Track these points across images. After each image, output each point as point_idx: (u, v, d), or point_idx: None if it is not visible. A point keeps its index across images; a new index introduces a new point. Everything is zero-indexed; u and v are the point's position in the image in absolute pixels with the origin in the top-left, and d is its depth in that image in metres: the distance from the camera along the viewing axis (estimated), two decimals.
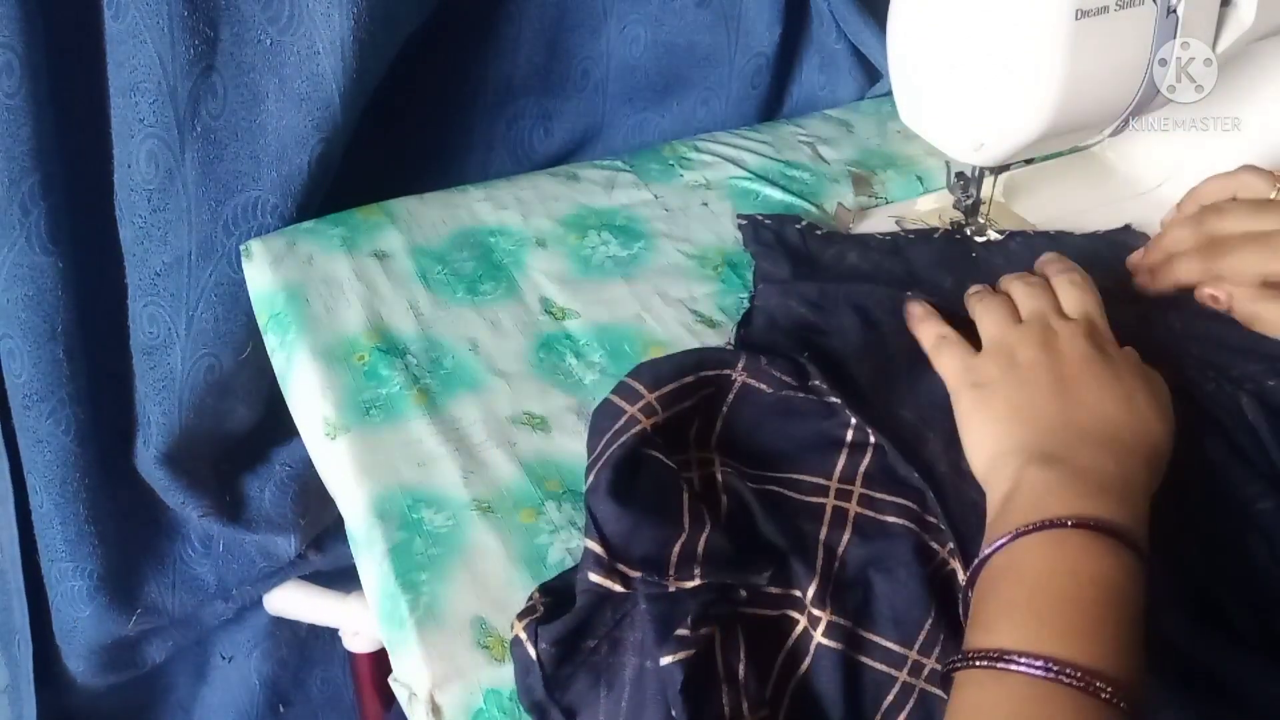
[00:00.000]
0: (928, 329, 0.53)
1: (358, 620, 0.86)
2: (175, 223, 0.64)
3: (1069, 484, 0.42)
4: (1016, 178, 0.69)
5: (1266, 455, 0.49)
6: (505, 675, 0.43)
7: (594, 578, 0.42)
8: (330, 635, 0.91)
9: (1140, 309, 0.57)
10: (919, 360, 0.53)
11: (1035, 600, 0.38)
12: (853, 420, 0.50)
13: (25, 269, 0.63)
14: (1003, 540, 0.41)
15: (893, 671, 0.43)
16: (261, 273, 0.62)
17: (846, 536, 0.47)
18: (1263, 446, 0.49)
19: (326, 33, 0.59)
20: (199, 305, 0.67)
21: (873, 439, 0.49)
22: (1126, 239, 0.64)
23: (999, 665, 0.37)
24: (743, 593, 0.44)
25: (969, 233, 0.64)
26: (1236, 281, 0.54)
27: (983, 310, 0.52)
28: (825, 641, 0.43)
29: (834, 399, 0.50)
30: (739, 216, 0.66)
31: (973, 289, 0.55)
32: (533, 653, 0.42)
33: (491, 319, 0.59)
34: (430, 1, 0.67)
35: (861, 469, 0.49)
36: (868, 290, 0.57)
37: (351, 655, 0.89)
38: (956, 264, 0.61)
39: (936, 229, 0.65)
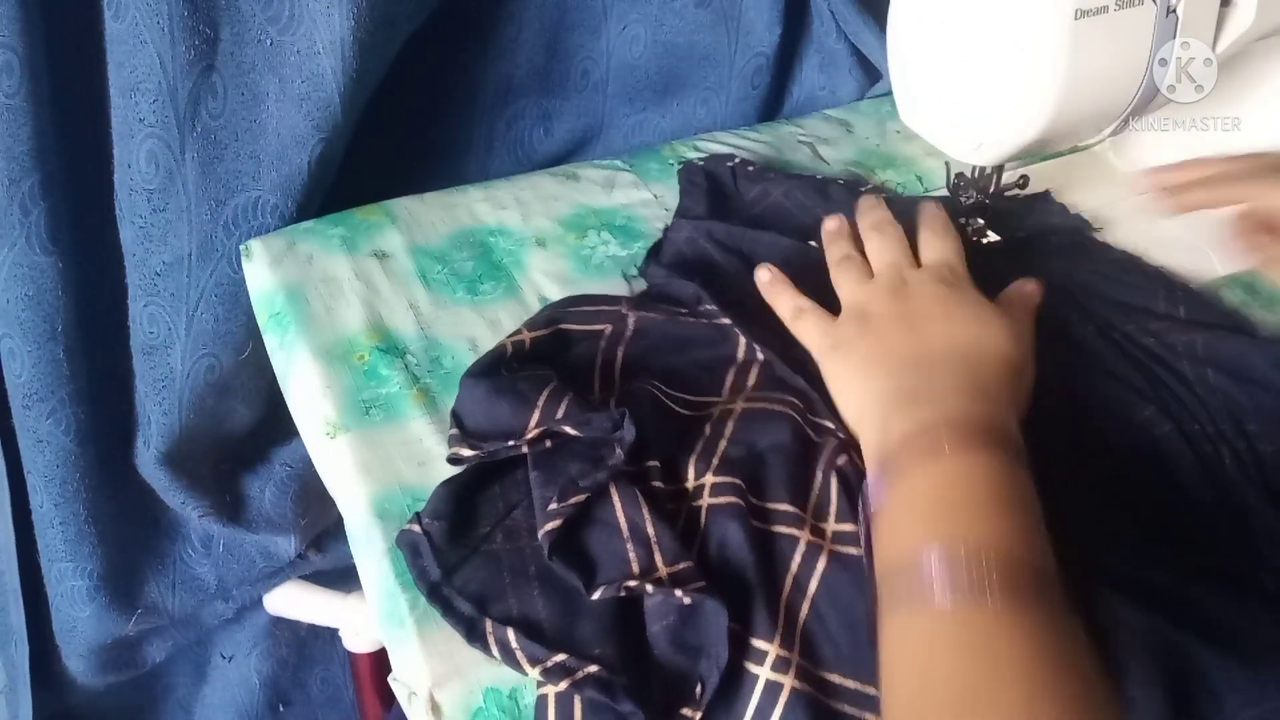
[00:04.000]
0: (784, 301, 0.55)
1: (358, 620, 0.86)
2: (175, 223, 0.64)
3: (930, 401, 0.45)
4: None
5: (1165, 387, 0.50)
6: (505, 674, 0.43)
7: (451, 448, 0.47)
8: (330, 635, 0.92)
9: (1050, 263, 0.59)
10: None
11: (945, 500, 0.40)
12: (742, 340, 0.53)
13: (25, 269, 0.63)
14: (885, 470, 0.43)
15: (793, 532, 0.44)
16: (261, 272, 0.62)
17: (732, 425, 0.49)
18: (1160, 380, 0.50)
19: (326, 33, 0.59)
20: (199, 305, 0.67)
21: (760, 355, 0.52)
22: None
23: (932, 562, 0.38)
24: (618, 451, 0.45)
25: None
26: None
27: (839, 276, 0.55)
28: (714, 501, 0.45)
29: (724, 320, 0.53)
30: (680, 163, 0.69)
31: (835, 255, 0.56)
32: (418, 528, 0.45)
33: (491, 319, 0.59)
34: (430, 1, 0.67)
35: (749, 384, 0.52)
36: (770, 240, 0.60)
37: (351, 655, 0.89)
38: None
39: (866, 182, 0.68)
